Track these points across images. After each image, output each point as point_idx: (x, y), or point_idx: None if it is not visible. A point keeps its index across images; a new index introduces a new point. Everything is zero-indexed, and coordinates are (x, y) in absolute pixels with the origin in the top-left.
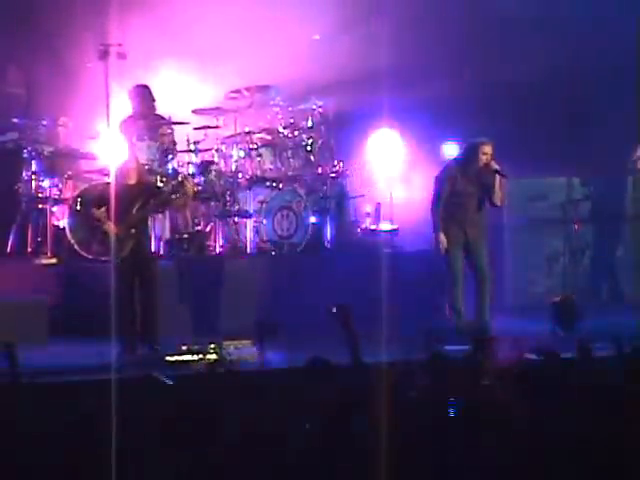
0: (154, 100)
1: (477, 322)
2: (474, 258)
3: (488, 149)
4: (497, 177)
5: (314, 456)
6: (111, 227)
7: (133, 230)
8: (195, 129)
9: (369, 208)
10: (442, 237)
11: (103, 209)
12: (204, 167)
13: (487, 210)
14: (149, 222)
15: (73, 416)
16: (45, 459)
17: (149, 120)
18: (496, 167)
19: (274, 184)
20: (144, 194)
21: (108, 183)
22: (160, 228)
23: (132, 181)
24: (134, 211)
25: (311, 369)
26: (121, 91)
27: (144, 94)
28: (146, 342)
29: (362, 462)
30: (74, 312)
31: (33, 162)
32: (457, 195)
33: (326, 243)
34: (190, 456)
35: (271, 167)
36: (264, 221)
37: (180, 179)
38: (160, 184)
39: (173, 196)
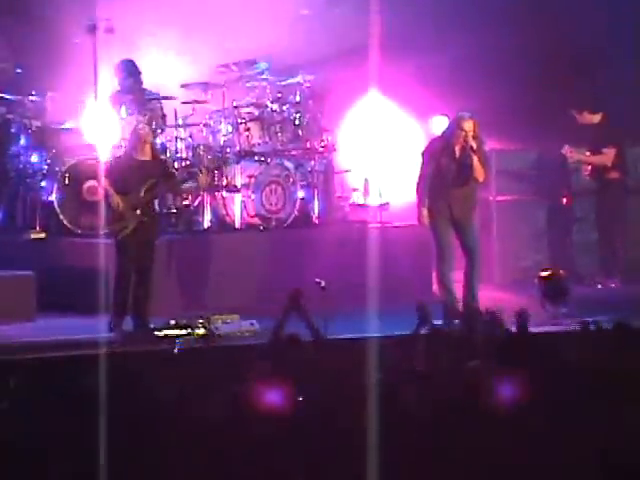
0: (140, 74)
1: (465, 299)
2: (462, 235)
3: (468, 125)
4: (473, 153)
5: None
6: (117, 202)
7: (138, 211)
8: (183, 103)
9: (357, 182)
10: (424, 212)
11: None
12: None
13: (475, 187)
14: (155, 204)
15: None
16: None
17: (136, 94)
18: (472, 144)
19: (262, 158)
20: (155, 174)
21: (119, 156)
22: None
23: (145, 157)
24: (142, 192)
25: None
26: (109, 65)
27: (130, 68)
28: (139, 320)
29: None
30: (62, 287)
31: (21, 137)
32: (441, 171)
33: (314, 218)
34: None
35: (259, 142)
36: (252, 196)
37: (196, 169)
38: (173, 166)
39: (185, 185)
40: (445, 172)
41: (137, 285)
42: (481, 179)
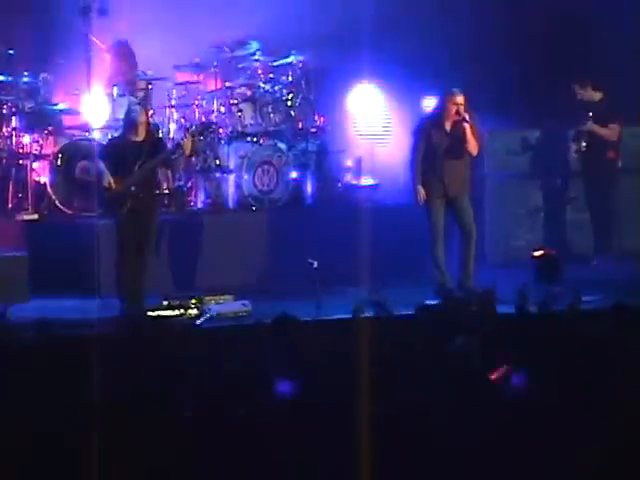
0: (134, 56)
1: (461, 278)
2: (457, 213)
3: (459, 99)
4: (467, 125)
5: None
6: (109, 181)
7: (133, 188)
8: (176, 85)
9: (350, 163)
10: (420, 189)
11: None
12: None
13: (468, 163)
14: (152, 180)
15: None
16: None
17: (129, 76)
18: (464, 115)
19: (255, 139)
20: (148, 151)
21: (114, 138)
22: None
23: (139, 137)
24: (136, 168)
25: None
26: (102, 46)
27: (124, 50)
28: (133, 301)
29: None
30: (55, 268)
31: (13, 118)
32: (433, 148)
33: (307, 198)
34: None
35: (252, 122)
36: (245, 176)
37: (180, 140)
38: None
39: (173, 156)
40: (437, 148)
41: (134, 264)
42: (474, 152)
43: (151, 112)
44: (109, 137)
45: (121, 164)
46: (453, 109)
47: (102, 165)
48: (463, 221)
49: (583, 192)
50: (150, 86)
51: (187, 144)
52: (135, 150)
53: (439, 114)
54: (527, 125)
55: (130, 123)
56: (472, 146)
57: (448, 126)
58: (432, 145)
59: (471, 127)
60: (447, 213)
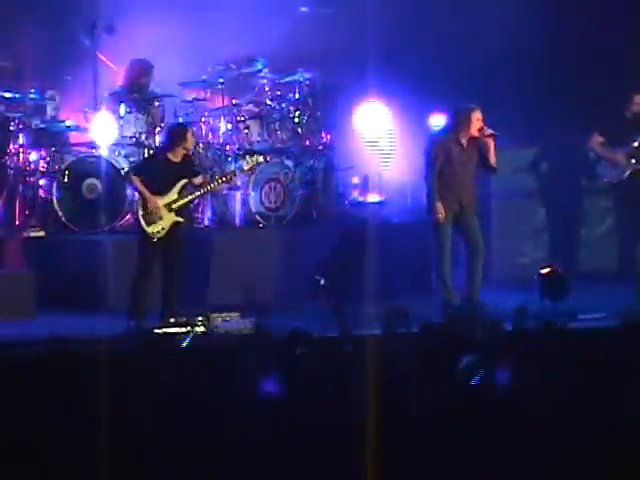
0: (151, 74)
1: (468, 295)
2: (467, 229)
3: (480, 114)
4: (492, 141)
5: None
6: (155, 203)
7: (173, 213)
8: (183, 102)
9: (357, 180)
10: (439, 206)
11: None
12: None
13: (477, 179)
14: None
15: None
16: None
17: (140, 94)
18: (491, 131)
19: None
20: (186, 175)
21: (151, 156)
22: None
23: (177, 158)
24: (176, 194)
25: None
26: (108, 63)
27: (145, 68)
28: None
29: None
30: (61, 285)
31: (21, 135)
32: (451, 164)
33: (314, 215)
34: None
35: (258, 139)
36: (252, 193)
37: (233, 171)
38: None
39: (215, 183)
40: (455, 163)
41: (170, 284)
42: (495, 167)
43: (158, 129)
44: (147, 156)
45: (159, 184)
46: (477, 125)
47: (142, 187)
48: (474, 237)
49: (620, 209)
50: (158, 103)
51: (235, 177)
52: (173, 171)
53: (460, 129)
54: (536, 142)
55: (171, 143)
56: (493, 162)
57: (466, 141)
58: (450, 162)
59: (494, 142)
60: (453, 229)
